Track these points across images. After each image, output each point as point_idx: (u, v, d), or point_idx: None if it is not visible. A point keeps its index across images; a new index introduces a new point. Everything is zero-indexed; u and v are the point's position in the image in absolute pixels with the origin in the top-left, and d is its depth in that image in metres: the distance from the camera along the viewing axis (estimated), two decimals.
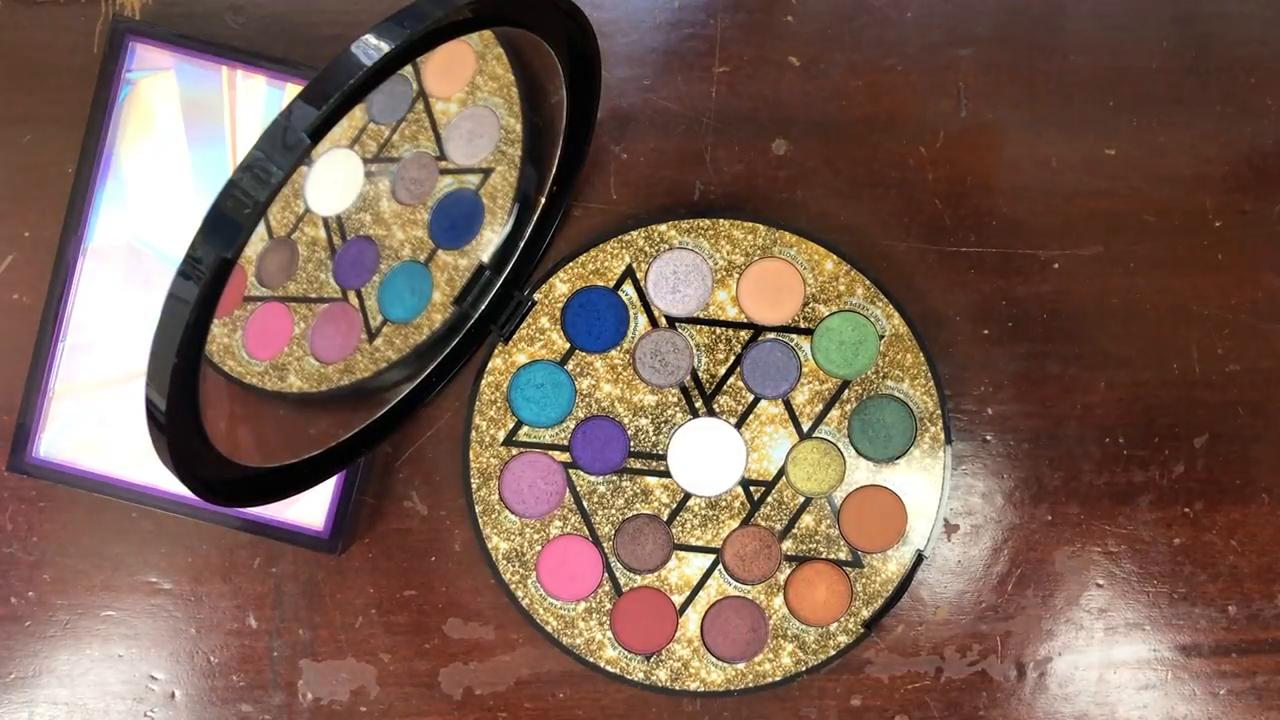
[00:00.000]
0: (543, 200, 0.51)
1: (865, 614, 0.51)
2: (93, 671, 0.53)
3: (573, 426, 0.51)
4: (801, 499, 0.51)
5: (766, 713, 0.53)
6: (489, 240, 0.50)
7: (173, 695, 0.53)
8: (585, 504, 0.51)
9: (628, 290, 0.51)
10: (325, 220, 0.43)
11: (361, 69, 0.32)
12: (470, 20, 0.38)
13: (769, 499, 0.51)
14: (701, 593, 0.51)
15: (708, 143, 0.54)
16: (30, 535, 0.53)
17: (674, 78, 0.54)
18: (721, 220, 0.51)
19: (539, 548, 0.51)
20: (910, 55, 0.54)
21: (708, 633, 0.51)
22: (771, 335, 0.51)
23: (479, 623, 0.53)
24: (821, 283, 0.51)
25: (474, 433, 0.51)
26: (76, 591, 0.53)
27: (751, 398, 0.51)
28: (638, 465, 0.51)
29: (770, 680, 0.51)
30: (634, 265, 0.51)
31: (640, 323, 0.52)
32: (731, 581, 0.51)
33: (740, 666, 0.51)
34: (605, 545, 0.51)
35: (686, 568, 0.51)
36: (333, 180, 0.42)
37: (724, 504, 0.51)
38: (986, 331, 0.54)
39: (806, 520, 0.51)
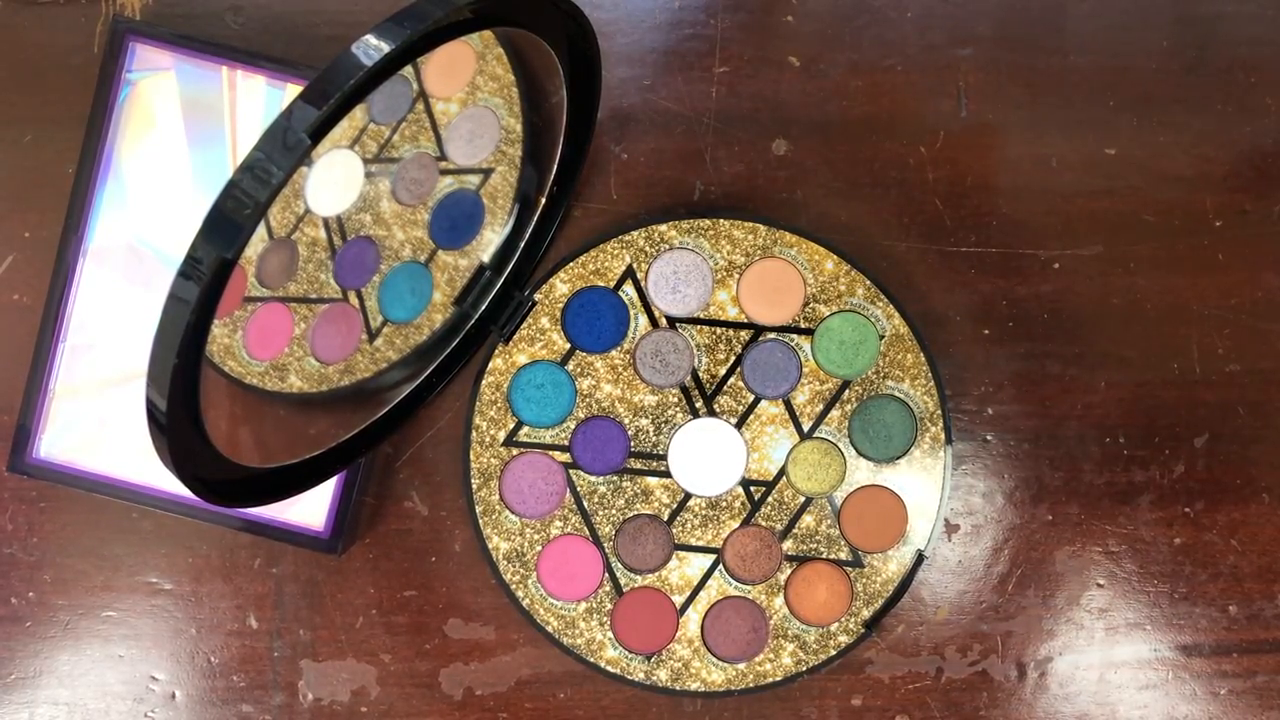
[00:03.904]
0: (543, 200, 0.51)
1: (866, 614, 0.51)
2: (93, 672, 0.53)
3: (573, 427, 0.51)
4: (802, 499, 0.51)
5: (767, 713, 0.53)
6: (489, 240, 0.50)
7: (173, 696, 0.53)
8: (586, 504, 0.51)
9: (628, 290, 0.51)
10: (325, 221, 0.43)
11: (362, 69, 0.32)
12: (470, 20, 0.38)
13: (769, 499, 0.51)
14: (702, 593, 0.51)
15: (708, 143, 0.54)
16: (30, 536, 0.53)
17: (674, 78, 0.54)
18: (721, 220, 0.51)
19: (539, 548, 0.51)
20: (910, 55, 0.54)
21: (708, 633, 0.51)
22: (772, 335, 0.51)
23: (479, 623, 0.53)
24: (822, 283, 0.51)
25: (474, 433, 0.51)
26: (77, 592, 0.53)
27: (752, 398, 0.51)
28: (638, 465, 0.51)
29: (771, 680, 0.51)
30: (634, 265, 0.51)
31: (640, 323, 0.52)
32: (732, 581, 0.51)
33: (741, 666, 0.51)
34: (606, 545, 0.51)
35: (687, 568, 0.51)
36: (333, 181, 0.42)
37: (724, 504, 0.51)
38: (986, 331, 0.54)
39: (807, 520, 0.51)
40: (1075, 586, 0.54)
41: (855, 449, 0.51)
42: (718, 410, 0.51)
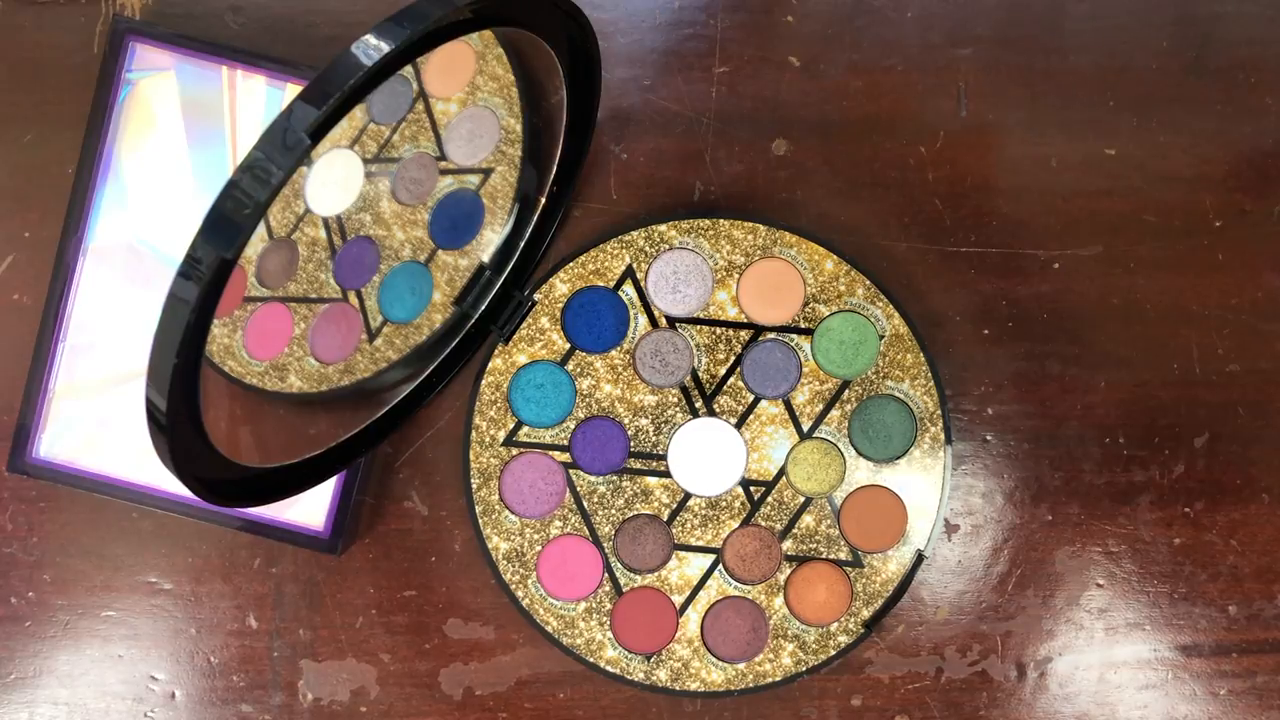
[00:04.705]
0: (543, 200, 0.51)
1: (865, 614, 0.51)
2: (93, 672, 0.53)
3: (573, 427, 0.51)
4: (802, 499, 0.51)
5: (767, 713, 0.53)
6: (489, 240, 0.50)
7: (173, 695, 0.53)
8: (585, 504, 0.51)
9: (628, 290, 0.51)
10: (325, 220, 0.43)
11: (362, 69, 0.32)
12: (470, 20, 0.38)
13: (769, 499, 0.51)
14: (702, 593, 0.51)
15: (708, 143, 0.54)
16: (30, 535, 0.53)
17: (674, 78, 0.54)
18: (721, 220, 0.51)
19: (539, 548, 0.51)
20: (910, 55, 0.54)
21: (708, 633, 0.51)
22: (771, 335, 0.51)
23: (479, 623, 0.53)
24: (821, 283, 0.51)
25: (474, 433, 0.51)
26: (76, 592, 0.53)
27: (752, 398, 0.51)
28: (638, 465, 0.51)
29: (770, 680, 0.51)
30: (634, 265, 0.51)
31: (640, 323, 0.52)
32: (732, 581, 0.51)
33: (740, 666, 0.51)
34: (605, 545, 0.51)
35: (687, 568, 0.51)
36: (333, 180, 0.42)
37: (724, 504, 0.51)
38: (986, 331, 0.54)
39: (807, 520, 0.51)
40: (1075, 586, 0.54)
41: (855, 449, 0.51)
42: (717, 410, 0.51)
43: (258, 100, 0.51)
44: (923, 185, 0.54)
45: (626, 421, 0.51)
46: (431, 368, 0.51)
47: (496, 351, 0.51)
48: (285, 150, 0.32)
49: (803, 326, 0.51)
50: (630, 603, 0.51)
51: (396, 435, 0.51)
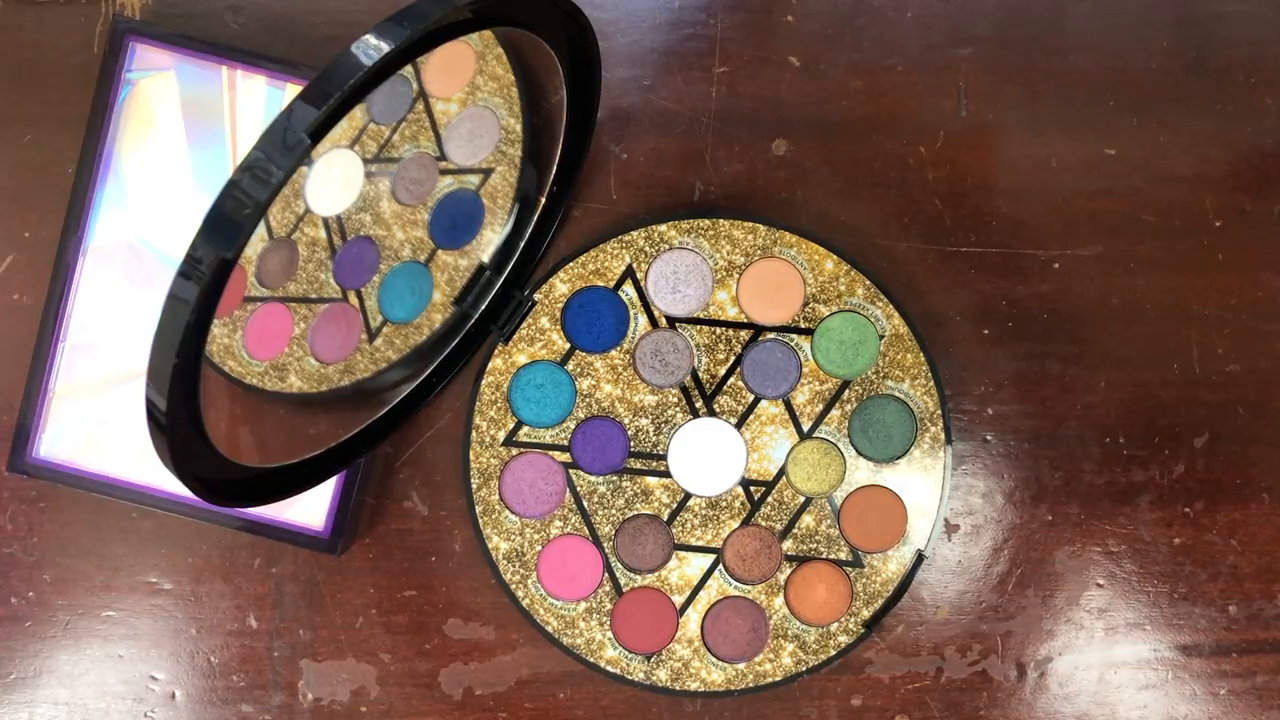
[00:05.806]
0: (543, 200, 0.51)
1: (866, 614, 0.51)
2: (93, 672, 0.53)
3: (573, 427, 0.51)
4: (802, 499, 0.51)
5: (767, 713, 0.53)
6: (489, 240, 0.50)
7: (173, 695, 0.53)
8: (585, 504, 0.51)
9: (628, 290, 0.51)
10: (325, 220, 0.43)
11: (362, 69, 0.33)
12: (470, 20, 0.38)
13: (769, 499, 0.51)
14: (702, 593, 0.51)
15: (708, 143, 0.54)
16: (30, 535, 0.53)
17: (674, 78, 0.54)
18: (721, 220, 0.51)
19: (539, 548, 0.51)
20: (910, 55, 0.54)
21: (708, 633, 0.51)
22: (771, 335, 0.51)
23: (479, 623, 0.53)
24: (821, 283, 0.51)
25: (474, 433, 0.51)
26: (76, 592, 0.53)
27: (752, 398, 0.51)
28: (638, 465, 0.51)
29: (771, 680, 0.51)
30: (634, 265, 0.51)
31: (640, 323, 0.52)
32: (732, 581, 0.51)
33: (741, 666, 0.51)
34: (605, 545, 0.51)
35: (687, 568, 0.51)
36: (333, 180, 0.42)
37: (724, 504, 0.51)
38: (986, 331, 0.54)
39: (807, 520, 0.51)
40: (1075, 586, 0.54)
41: (855, 449, 0.51)
42: (717, 410, 0.51)
43: (258, 100, 0.51)
44: (923, 185, 0.54)
45: (626, 421, 0.51)
46: (431, 368, 0.51)
47: (496, 351, 0.51)
48: (285, 150, 0.32)
49: (803, 326, 0.51)
50: (630, 603, 0.51)
51: (396, 435, 0.51)
